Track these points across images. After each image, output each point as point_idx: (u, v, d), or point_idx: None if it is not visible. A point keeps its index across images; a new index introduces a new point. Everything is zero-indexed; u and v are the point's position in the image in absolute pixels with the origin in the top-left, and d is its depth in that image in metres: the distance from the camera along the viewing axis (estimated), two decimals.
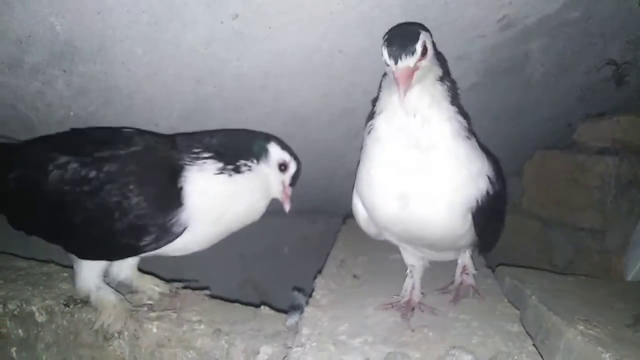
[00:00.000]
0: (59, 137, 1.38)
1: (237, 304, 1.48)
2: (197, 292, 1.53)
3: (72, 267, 1.52)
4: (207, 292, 1.56)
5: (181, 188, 1.23)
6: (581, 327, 1.14)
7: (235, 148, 1.33)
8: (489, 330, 1.18)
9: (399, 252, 1.75)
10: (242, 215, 1.37)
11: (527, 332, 1.19)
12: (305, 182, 2.24)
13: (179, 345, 1.28)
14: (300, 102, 1.62)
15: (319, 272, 1.59)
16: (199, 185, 1.25)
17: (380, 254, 1.74)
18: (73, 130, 1.41)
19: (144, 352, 1.30)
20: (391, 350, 1.09)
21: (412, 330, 1.19)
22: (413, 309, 1.29)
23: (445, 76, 1.13)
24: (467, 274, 1.40)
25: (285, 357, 1.14)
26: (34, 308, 1.38)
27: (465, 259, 1.42)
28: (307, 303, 1.37)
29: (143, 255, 1.33)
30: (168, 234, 1.24)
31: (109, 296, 1.34)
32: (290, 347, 1.15)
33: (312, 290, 1.45)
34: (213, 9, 1.20)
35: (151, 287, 1.48)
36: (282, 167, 1.38)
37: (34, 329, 1.38)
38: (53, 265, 1.63)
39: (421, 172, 1.09)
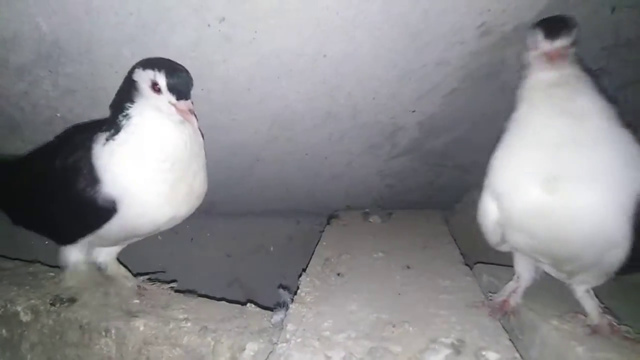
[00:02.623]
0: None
1: (223, 302, 1.49)
2: (163, 286, 1.56)
3: (58, 267, 1.54)
4: (174, 285, 1.58)
5: (93, 165, 1.23)
6: (555, 323, 1.19)
7: (114, 107, 1.26)
8: (467, 325, 1.22)
9: (382, 251, 1.81)
10: (171, 156, 1.22)
11: (503, 327, 1.23)
12: (290, 183, 2.28)
13: (166, 343, 1.29)
14: (285, 105, 1.65)
15: (304, 270, 1.62)
16: (107, 157, 1.22)
17: (364, 253, 1.78)
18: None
19: (130, 350, 1.31)
20: (374, 345, 1.13)
21: (394, 326, 1.22)
22: (506, 312, 1.26)
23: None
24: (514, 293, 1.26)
25: (270, 353, 1.16)
26: (18, 308, 1.39)
27: (587, 302, 1.19)
28: (292, 300, 1.39)
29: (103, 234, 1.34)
30: (98, 210, 1.24)
31: (81, 266, 1.46)
32: (276, 343, 1.17)
33: (297, 288, 1.48)
34: (200, 12, 1.23)
35: (122, 279, 1.52)
36: (156, 87, 1.16)
37: (18, 328, 1.39)
38: (39, 265, 1.63)
39: (575, 146, 0.94)
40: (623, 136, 0.97)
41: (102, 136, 1.25)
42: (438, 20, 1.41)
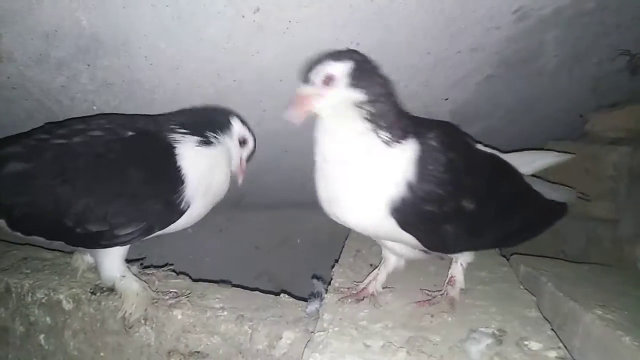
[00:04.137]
0: (41, 130, 1.36)
1: (257, 292, 1.51)
2: (180, 276, 1.59)
3: None
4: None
5: (180, 166, 1.28)
6: (599, 312, 1.15)
7: (202, 122, 1.39)
8: (507, 315, 1.21)
9: None
10: (221, 185, 1.42)
11: (545, 318, 1.21)
12: None
13: (204, 331, 1.32)
14: None
15: (336, 261, 1.62)
16: (191, 160, 1.31)
17: None
18: (47, 124, 1.40)
19: (169, 338, 1.34)
20: (412, 334, 1.12)
21: (432, 316, 1.21)
22: (363, 298, 1.31)
23: (369, 101, 1.13)
24: (451, 285, 1.31)
25: (309, 341, 1.16)
26: (61, 296, 1.42)
27: (454, 270, 1.34)
28: (326, 290, 1.40)
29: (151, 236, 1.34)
30: (176, 212, 1.29)
31: (133, 284, 1.37)
32: (313, 332, 1.18)
33: (331, 278, 1.48)
34: (235, 2, 1.23)
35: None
36: (242, 142, 1.47)
37: (61, 316, 1.43)
38: None
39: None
40: (373, 156, 1.13)
41: (188, 140, 1.34)
42: (474, 6, 1.38)
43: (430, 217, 1.14)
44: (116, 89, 1.49)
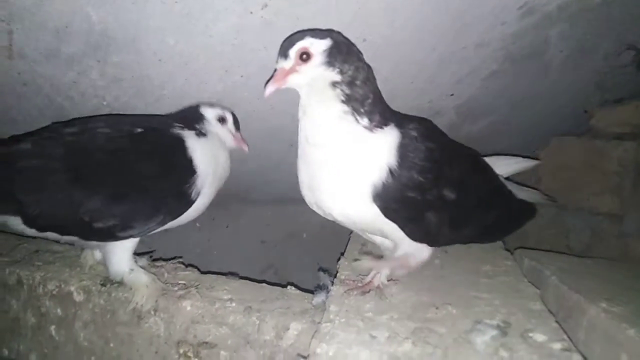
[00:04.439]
0: (49, 129, 1.41)
1: (264, 284, 1.53)
2: (189, 268, 1.62)
3: None
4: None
5: (191, 157, 1.37)
6: (604, 305, 1.16)
7: (188, 120, 1.48)
8: (511, 307, 1.22)
9: None
10: (223, 170, 1.51)
11: (549, 311, 1.22)
12: None
13: (212, 322, 1.34)
14: None
15: (342, 254, 1.63)
16: (200, 151, 1.40)
17: None
18: (54, 123, 1.46)
19: (178, 329, 1.36)
20: (417, 325, 1.14)
21: (436, 308, 1.23)
22: (369, 290, 1.32)
23: (345, 82, 1.14)
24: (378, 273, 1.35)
25: (316, 332, 1.18)
26: (72, 288, 1.45)
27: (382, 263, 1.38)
28: (332, 283, 1.42)
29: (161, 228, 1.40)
30: (187, 203, 1.36)
31: (142, 277, 1.40)
32: (319, 323, 1.20)
33: (337, 271, 1.50)
34: None
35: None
36: (221, 120, 1.55)
37: (72, 308, 1.45)
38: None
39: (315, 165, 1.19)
40: (354, 141, 1.14)
41: (190, 133, 1.43)
42: (479, 2, 1.39)
43: (413, 203, 1.16)
44: (126, 85, 1.50)
